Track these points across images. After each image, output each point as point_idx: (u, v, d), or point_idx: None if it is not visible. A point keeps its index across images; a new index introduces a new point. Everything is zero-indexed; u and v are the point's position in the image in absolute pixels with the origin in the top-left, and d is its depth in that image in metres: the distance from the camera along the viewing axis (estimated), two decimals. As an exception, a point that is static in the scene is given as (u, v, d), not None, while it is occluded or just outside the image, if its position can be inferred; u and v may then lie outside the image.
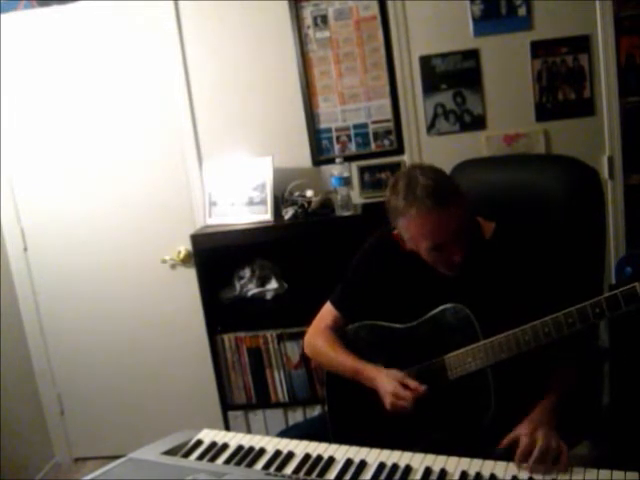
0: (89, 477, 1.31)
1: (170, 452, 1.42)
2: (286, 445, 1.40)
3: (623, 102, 2.62)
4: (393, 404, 1.56)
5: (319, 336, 1.83)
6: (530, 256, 1.60)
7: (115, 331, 3.07)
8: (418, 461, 1.29)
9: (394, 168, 2.75)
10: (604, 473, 1.17)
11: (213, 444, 1.44)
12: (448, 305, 1.60)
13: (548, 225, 1.73)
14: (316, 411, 2.69)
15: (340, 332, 1.82)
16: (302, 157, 2.81)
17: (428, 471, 1.25)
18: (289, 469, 1.32)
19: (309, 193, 2.68)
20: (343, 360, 1.74)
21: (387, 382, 1.59)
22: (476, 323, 1.54)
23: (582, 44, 2.59)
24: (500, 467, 1.23)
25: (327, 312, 1.87)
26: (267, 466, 1.34)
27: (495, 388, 1.52)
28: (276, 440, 1.43)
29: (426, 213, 1.50)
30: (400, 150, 2.76)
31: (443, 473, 1.24)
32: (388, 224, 1.71)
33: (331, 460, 1.33)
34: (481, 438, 1.51)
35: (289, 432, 1.96)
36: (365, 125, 2.78)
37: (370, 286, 1.79)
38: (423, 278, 1.67)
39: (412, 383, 1.55)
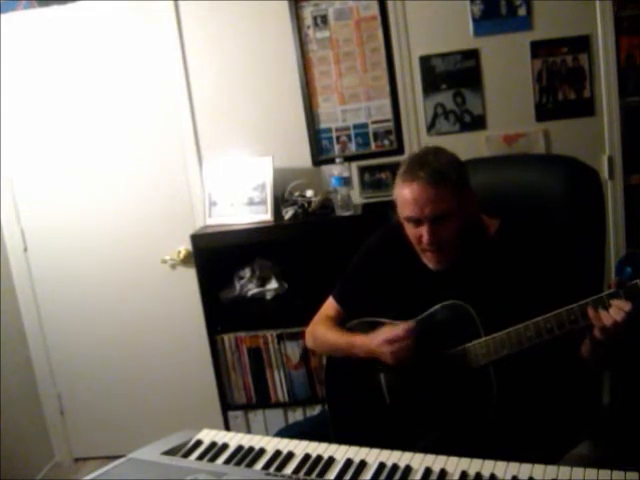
0: (89, 477, 1.31)
1: (170, 452, 1.41)
2: (286, 445, 1.40)
3: (623, 102, 2.62)
4: (394, 354, 1.58)
5: (319, 324, 1.87)
6: (533, 254, 1.60)
7: (115, 331, 3.08)
8: (418, 461, 1.28)
9: (394, 168, 2.72)
10: (604, 473, 1.17)
11: (213, 444, 1.44)
12: (448, 302, 1.60)
13: (549, 224, 1.73)
14: (316, 411, 2.69)
15: (341, 326, 1.84)
16: (302, 157, 2.81)
17: (428, 471, 1.25)
18: (289, 469, 1.32)
19: (309, 193, 2.68)
20: (337, 338, 1.77)
21: (377, 342, 1.62)
22: (477, 319, 1.55)
23: (582, 44, 2.59)
24: (500, 467, 1.23)
25: (329, 306, 1.89)
26: (267, 466, 1.33)
27: (497, 385, 1.52)
28: (276, 440, 1.43)
29: (414, 182, 1.56)
30: (400, 150, 2.76)
31: (443, 473, 1.24)
32: (388, 224, 1.72)
33: (331, 460, 1.32)
34: (483, 435, 1.52)
35: (288, 431, 1.97)
36: (365, 125, 2.78)
37: (371, 282, 1.79)
38: (425, 275, 1.68)
39: (399, 327, 1.59)
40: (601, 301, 1.39)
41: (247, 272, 2.76)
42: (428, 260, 1.65)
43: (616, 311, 1.35)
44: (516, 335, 1.48)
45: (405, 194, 1.58)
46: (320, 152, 2.81)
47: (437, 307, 1.62)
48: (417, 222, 1.59)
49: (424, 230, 1.58)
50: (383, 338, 1.60)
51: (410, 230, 1.64)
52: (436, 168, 1.56)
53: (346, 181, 2.60)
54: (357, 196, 2.80)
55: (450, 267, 1.64)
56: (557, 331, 1.44)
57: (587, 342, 1.47)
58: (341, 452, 1.35)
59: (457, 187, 1.58)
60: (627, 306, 1.34)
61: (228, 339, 2.71)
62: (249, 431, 2.74)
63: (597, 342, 1.41)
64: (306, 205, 2.63)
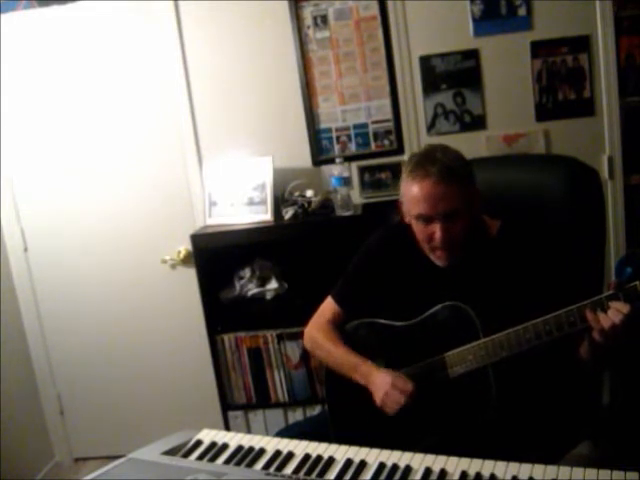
0: (89, 477, 1.31)
1: (170, 452, 1.41)
2: (286, 445, 1.40)
3: (623, 102, 2.62)
4: (384, 401, 1.58)
5: (319, 330, 1.84)
6: (534, 254, 1.60)
7: (115, 331, 3.08)
8: (418, 461, 1.28)
9: (394, 168, 2.75)
10: (604, 473, 1.17)
11: (213, 444, 1.44)
12: (448, 303, 1.60)
13: (550, 225, 1.73)
14: (316, 411, 2.69)
15: (340, 328, 1.83)
16: (302, 157, 2.81)
17: (428, 471, 1.25)
18: (289, 469, 1.32)
19: (309, 193, 2.68)
20: (342, 355, 1.74)
21: (381, 379, 1.60)
22: (477, 321, 1.54)
23: (582, 44, 2.60)
24: (500, 467, 1.23)
25: (328, 307, 1.87)
26: (267, 466, 1.33)
27: (496, 386, 1.52)
28: (276, 440, 1.43)
29: (426, 179, 1.53)
30: (400, 150, 2.76)
31: (443, 473, 1.24)
32: (388, 224, 1.71)
33: (331, 460, 1.32)
34: (483, 435, 1.52)
35: (288, 431, 1.97)
36: (365, 125, 2.78)
37: (371, 282, 1.79)
38: (425, 275, 1.68)
39: (402, 382, 1.57)
40: (600, 303, 1.38)
41: (247, 272, 2.76)
42: (437, 258, 1.64)
43: (614, 313, 1.35)
44: (515, 337, 1.48)
45: (416, 191, 1.56)
46: (320, 152, 2.81)
47: (437, 308, 1.62)
48: (428, 220, 1.57)
49: (437, 228, 1.56)
50: (385, 386, 1.58)
51: (419, 228, 1.61)
52: (446, 164, 1.54)
53: (346, 181, 2.60)
54: (357, 196, 2.80)
55: (452, 267, 1.64)
56: (556, 333, 1.44)
57: (586, 343, 1.47)
58: (341, 452, 1.35)
59: (466, 184, 1.57)
60: (625, 308, 1.34)
61: (228, 339, 2.71)
62: (249, 431, 2.74)
63: (596, 344, 1.41)
64: (306, 205, 2.63)
